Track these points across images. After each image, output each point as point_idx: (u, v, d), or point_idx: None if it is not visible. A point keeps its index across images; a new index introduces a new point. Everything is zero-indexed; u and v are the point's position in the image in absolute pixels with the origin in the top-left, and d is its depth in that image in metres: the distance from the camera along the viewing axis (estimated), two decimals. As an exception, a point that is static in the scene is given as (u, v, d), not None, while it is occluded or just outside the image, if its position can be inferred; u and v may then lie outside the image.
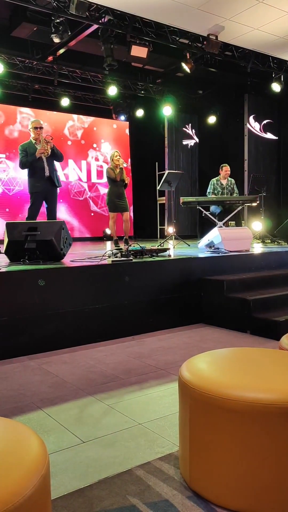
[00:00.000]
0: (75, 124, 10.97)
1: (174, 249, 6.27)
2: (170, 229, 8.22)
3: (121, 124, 11.68)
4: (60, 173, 9.91)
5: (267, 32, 7.25)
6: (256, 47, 7.86)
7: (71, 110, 10.53)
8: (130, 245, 4.97)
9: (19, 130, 10.16)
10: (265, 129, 10.44)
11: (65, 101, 9.99)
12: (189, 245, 6.89)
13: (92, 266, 4.10)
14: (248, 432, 1.51)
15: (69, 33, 6.59)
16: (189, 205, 6.96)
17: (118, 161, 6.89)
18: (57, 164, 5.98)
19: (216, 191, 7.70)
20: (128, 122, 11.71)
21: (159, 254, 4.88)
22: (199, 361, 1.84)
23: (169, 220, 10.08)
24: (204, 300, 4.66)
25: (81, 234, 10.67)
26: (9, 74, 8.69)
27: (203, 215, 7.18)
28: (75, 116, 10.92)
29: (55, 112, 10.54)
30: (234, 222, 7.90)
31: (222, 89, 10.37)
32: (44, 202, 5.77)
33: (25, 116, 10.25)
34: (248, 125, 10.10)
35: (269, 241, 7.66)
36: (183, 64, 7.60)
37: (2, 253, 4.45)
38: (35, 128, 5.69)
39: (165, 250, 5.07)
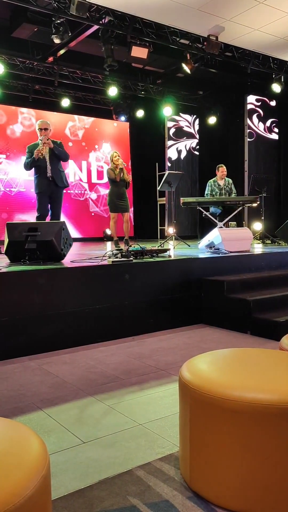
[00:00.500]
0: (76, 124, 10.98)
1: (175, 250, 6.27)
2: (170, 230, 8.23)
3: (121, 124, 11.69)
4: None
5: (267, 33, 7.26)
6: (257, 47, 7.86)
7: (71, 110, 10.54)
8: (130, 246, 4.97)
9: (20, 130, 10.16)
10: (270, 129, 10.45)
11: (65, 102, 10.00)
12: (189, 246, 6.89)
13: (92, 266, 4.10)
14: (248, 432, 1.51)
15: (70, 34, 6.59)
16: (189, 206, 6.96)
17: (118, 161, 6.90)
18: (63, 164, 5.99)
19: (214, 192, 7.70)
20: (128, 123, 11.72)
21: (159, 254, 4.88)
22: (200, 361, 1.84)
23: (169, 220, 10.08)
24: (205, 301, 4.66)
25: (82, 234, 10.67)
26: (9, 74, 8.70)
27: (203, 215, 7.18)
28: (75, 116, 10.93)
29: (55, 113, 10.54)
30: (235, 222, 7.90)
31: (222, 90, 10.38)
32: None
33: (26, 116, 10.25)
34: (252, 124, 10.10)
35: (269, 242, 7.66)
36: (184, 65, 7.60)
37: (3, 253, 4.45)
38: (40, 129, 5.70)
39: (165, 250, 5.07)
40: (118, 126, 11.67)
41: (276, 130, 10.54)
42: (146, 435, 2.15)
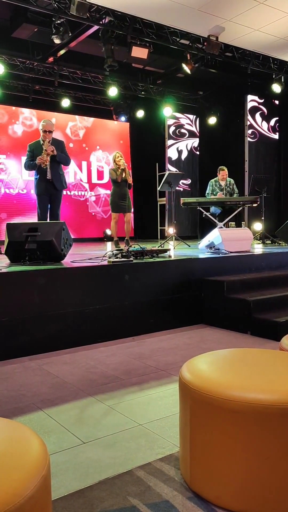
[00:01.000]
0: (76, 125, 10.98)
1: (175, 250, 6.27)
2: (171, 230, 8.23)
3: (121, 125, 11.69)
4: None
5: (267, 33, 7.26)
6: (257, 48, 7.87)
7: (71, 111, 10.54)
8: (130, 246, 4.97)
9: (20, 131, 10.16)
10: (274, 129, 10.44)
11: (65, 102, 10.00)
12: (189, 246, 6.89)
13: (92, 266, 4.10)
14: (248, 433, 1.51)
15: (70, 34, 6.60)
16: (189, 206, 6.96)
17: (119, 162, 6.90)
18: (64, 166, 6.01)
19: (214, 192, 7.70)
20: (128, 123, 11.72)
21: (159, 254, 4.88)
22: (200, 361, 1.84)
23: (170, 221, 10.08)
24: (205, 301, 4.66)
25: (82, 234, 10.67)
26: (9, 75, 8.70)
27: (203, 215, 7.18)
28: (75, 117, 10.93)
29: (55, 113, 10.54)
30: (234, 222, 7.90)
31: (222, 90, 10.38)
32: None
33: (27, 116, 10.26)
34: (255, 124, 10.09)
35: (269, 242, 7.66)
36: (184, 65, 7.61)
37: (3, 253, 4.46)
38: (44, 131, 5.68)
39: (166, 250, 5.07)
40: (118, 127, 11.67)
41: (273, 130, 10.55)
42: (146, 435, 2.15)
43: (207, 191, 7.81)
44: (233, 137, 10.54)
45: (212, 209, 7.50)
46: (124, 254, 4.48)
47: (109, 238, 10.60)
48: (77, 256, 5.05)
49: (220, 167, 7.73)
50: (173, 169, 10.32)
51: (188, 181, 11.05)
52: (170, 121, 10.55)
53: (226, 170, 7.69)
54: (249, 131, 10.07)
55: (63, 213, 10.33)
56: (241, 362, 1.83)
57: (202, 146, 11.14)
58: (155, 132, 10.88)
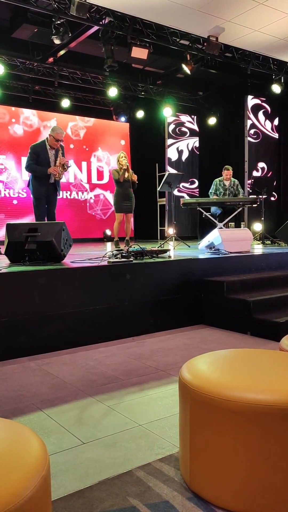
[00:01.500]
0: (76, 125, 10.98)
1: (175, 250, 6.27)
2: (171, 230, 8.23)
3: (121, 125, 11.69)
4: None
5: (267, 34, 7.26)
6: (256, 48, 7.87)
7: (71, 111, 10.54)
8: (130, 246, 4.97)
9: (20, 131, 10.16)
10: (278, 128, 10.44)
11: (65, 103, 10.00)
12: (189, 246, 6.90)
13: (92, 267, 4.10)
14: (248, 433, 1.51)
15: (70, 35, 6.60)
16: (189, 206, 6.97)
17: (122, 161, 6.90)
18: None
19: (218, 192, 7.70)
20: (128, 123, 11.72)
21: (159, 255, 4.89)
22: (200, 362, 1.84)
23: (169, 221, 10.09)
24: (205, 301, 4.66)
25: (82, 235, 10.67)
26: (9, 75, 8.70)
27: (203, 216, 7.18)
28: (75, 117, 10.93)
29: (55, 114, 10.55)
30: (233, 223, 7.90)
31: (222, 91, 10.39)
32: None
33: (27, 116, 10.25)
34: (258, 123, 10.09)
35: (269, 242, 7.66)
36: (184, 66, 7.61)
37: (3, 254, 4.46)
38: (56, 140, 5.71)
39: (166, 251, 5.07)
40: (118, 127, 11.67)
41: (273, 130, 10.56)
42: (146, 435, 2.15)
43: (210, 190, 7.81)
44: (233, 138, 10.55)
45: (213, 209, 7.50)
46: (124, 254, 4.48)
47: (109, 238, 10.60)
48: (77, 257, 5.05)
49: (225, 166, 7.72)
50: (173, 171, 10.32)
51: (194, 185, 11.04)
52: (170, 119, 10.55)
53: (230, 170, 7.67)
54: (251, 131, 10.05)
55: (63, 213, 10.38)
56: (241, 362, 1.83)
57: (202, 147, 11.14)
58: (155, 132, 10.88)
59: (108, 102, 10.92)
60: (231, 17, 6.68)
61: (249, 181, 9.54)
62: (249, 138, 10.00)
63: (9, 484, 1.04)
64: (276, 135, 10.45)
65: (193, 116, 11.06)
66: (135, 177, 6.87)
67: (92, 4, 6.22)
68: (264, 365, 1.80)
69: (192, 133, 11.07)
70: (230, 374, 1.68)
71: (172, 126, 10.67)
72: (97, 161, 11.28)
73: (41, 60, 8.25)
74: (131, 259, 4.44)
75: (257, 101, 10.05)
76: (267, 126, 10.31)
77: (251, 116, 10.06)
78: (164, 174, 7.32)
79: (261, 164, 10.22)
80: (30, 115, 10.30)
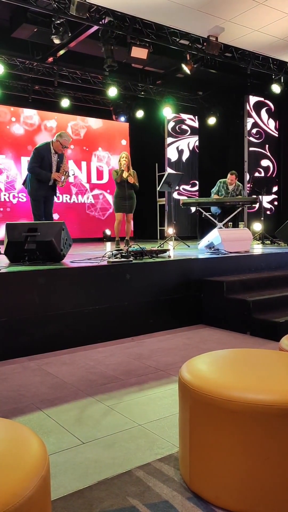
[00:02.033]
0: (75, 125, 10.98)
1: (174, 250, 6.27)
2: (170, 230, 8.23)
3: (121, 125, 11.69)
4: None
5: (267, 34, 7.26)
6: (256, 48, 7.87)
7: (71, 111, 10.54)
8: (130, 246, 4.97)
9: (20, 131, 10.16)
10: (278, 128, 10.43)
11: (65, 102, 10.00)
12: (189, 246, 6.90)
13: (92, 267, 4.10)
14: (248, 433, 1.51)
15: (70, 34, 6.59)
16: (189, 206, 6.97)
17: (121, 162, 6.89)
18: None
19: (219, 193, 7.70)
20: (128, 123, 11.72)
21: (159, 255, 4.88)
22: (199, 362, 1.84)
23: (169, 221, 10.09)
24: (204, 301, 4.66)
25: (81, 235, 10.67)
26: (9, 75, 8.69)
27: (203, 216, 7.19)
28: (75, 117, 10.93)
29: (55, 113, 10.54)
30: (231, 223, 7.90)
31: (222, 91, 10.39)
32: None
33: (26, 116, 10.25)
34: (261, 122, 10.08)
35: (269, 242, 7.67)
36: (183, 65, 7.61)
37: (2, 253, 4.45)
38: (64, 146, 5.74)
39: (165, 251, 5.07)
40: (117, 127, 11.67)
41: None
42: (146, 435, 2.15)
43: (212, 189, 7.81)
44: (232, 138, 10.55)
45: (213, 209, 7.50)
46: (123, 254, 4.48)
47: (109, 238, 10.60)
48: (77, 256, 5.05)
49: (231, 171, 7.72)
50: (172, 171, 10.32)
51: (195, 187, 11.03)
52: (170, 116, 10.52)
53: (234, 175, 7.66)
54: (254, 131, 10.03)
55: (63, 213, 10.38)
56: (241, 362, 1.83)
57: (202, 147, 11.14)
58: (154, 132, 10.88)
59: (107, 102, 10.92)
60: (231, 17, 6.68)
61: (248, 186, 9.54)
62: (250, 138, 9.99)
63: (8, 484, 1.04)
64: (276, 134, 10.44)
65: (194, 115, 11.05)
66: (131, 180, 6.81)
67: (92, 3, 6.22)
68: (263, 365, 1.80)
69: (193, 131, 11.04)
70: (229, 374, 1.68)
71: (172, 124, 10.63)
72: (97, 161, 11.28)
73: (41, 59, 8.24)
74: (131, 259, 4.43)
75: (259, 98, 10.04)
76: (270, 125, 10.29)
77: (253, 114, 10.02)
78: (164, 174, 7.31)
79: (265, 163, 10.19)
80: (29, 115, 10.30)
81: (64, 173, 5.76)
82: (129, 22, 6.76)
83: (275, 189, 10.32)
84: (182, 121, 10.84)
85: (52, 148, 5.73)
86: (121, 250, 4.73)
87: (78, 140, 10.97)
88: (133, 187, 6.93)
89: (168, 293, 4.46)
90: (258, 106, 10.10)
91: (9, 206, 9.93)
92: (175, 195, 9.73)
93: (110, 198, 11.05)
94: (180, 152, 10.83)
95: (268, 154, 10.32)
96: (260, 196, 8.12)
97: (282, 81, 8.77)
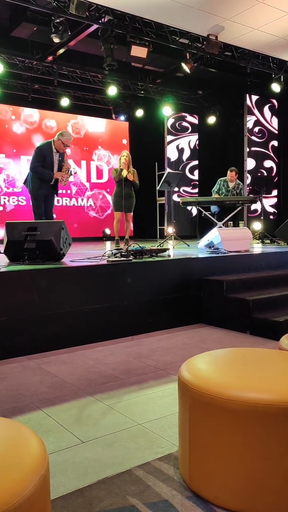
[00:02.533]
0: (75, 124, 10.97)
1: (174, 249, 6.27)
2: (170, 229, 8.23)
3: (120, 124, 11.68)
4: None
5: (267, 33, 7.25)
6: (256, 47, 7.86)
7: (71, 110, 10.53)
8: (129, 245, 4.97)
9: (19, 130, 10.15)
10: (278, 127, 10.41)
11: (65, 101, 9.99)
12: (188, 245, 6.89)
13: (91, 266, 4.10)
14: (248, 432, 1.51)
15: (69, 33, 6.59)
16: (189, 205, 6.97)
17: (120, 161, 6.88)
18: None
19: (220, 192, 7.69)
20: (128, 122, 11.71)
21: (158, 254, 4.88)
22: (199, 361, 1.84)
23: (169, 220, 10.08)
24: (204, 301, 4.66)
25: (81, 234, 10.67)
26: (9, 74, 8.68)
27: (202, 215, 7.19)
28: (74, 116, 10.92)
29: (55, 112, 10.53)
30: (231, 222, 7.90)
31: (222, 89, 10.38)
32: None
33: (26, 115, 10.24)
34: (264, 121, 10.07)
35: (269, 241, 7.66)
36: (183, 64, 7.60)
37: (2, 253, 4.45)
38: (65, 145, 5.73)
39: (165, 250, 5.07)
40: (117, 126, 11.66)
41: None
42: (145, 434, 2.15)
43: (213, 188, 7.80)
44: (232, 137, 10.54)
45: (212, 207, 7.50)
46: (123, 253, 4.47)
47: (108, 238, 10.59)
48: (76, 256, 5.05)
49: (230, 168, 7.71)
50: (172, 171, 10.31)
51: (195, 190, 11.01)
52: (170, 113, 10.49)
53: (234, 172, 7.65)
54: (256, 129, 10.00)
55: (63, 212, 10.38)
56: (240, 361, 1.83)
57: (202, 146, 11.13)
58: (154, 131, 10.87)
59: (107, 101, 10.91)
60: (231, 16, 6.68)
61: (248, 188, 9.54)
62: (253, 137, 9.97)
63: (8, 483, 1.04)
64: (276, 132, 10.43)
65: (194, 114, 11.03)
66: (130, 177, 6.80)
67: (92, 2, 6.21)
68: (263, 364, 1.80)
69: (194, 128, 11.01)
70: (229, 373, 1.68)
71: (171, 121, 10.60)
72: (97, 160, 11.27)
73: (41, 58, 8.23)
74: (131, 258, 4.43)
75: (260, 97, 10.02)
76: (273, 123, 10.26)
77: (256, 112, 9.99)
78: (164, 173, 7.31)
79: (268, 164, 10.17)
80: (29, 114, 10.29)
81: (67, 171, 5.76)
82: (129, 21, 6.75)
83: (275, 192, 10.29)
84: (182, 118, 10.81)
85: (54, 147, 5.72)
86: (120, 249, 4.73)
87: (78, 139, 10.95)
88: (133, 186, 6.93)
89: (167, 293, 4.45)
90: (261, 103, 10.06)
91: (8, 210, 9.89)
92: (175, 197, 9.72)
93: (110, 198, 11.05)
94: (181, 151, 10.81)
95: (271, 154, 10.30)
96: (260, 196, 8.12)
97: (282, 80, 8.76)
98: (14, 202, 9.98)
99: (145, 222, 11.51)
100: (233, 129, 10.51)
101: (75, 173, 5.60)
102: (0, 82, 9.05)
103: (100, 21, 6.64)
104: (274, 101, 10.25)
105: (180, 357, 3.42)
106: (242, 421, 1.51)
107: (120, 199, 6.87)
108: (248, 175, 9.78)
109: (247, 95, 9.91)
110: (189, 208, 10.77)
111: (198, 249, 6.09)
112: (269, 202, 10.12)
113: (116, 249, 4.72)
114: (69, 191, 10.77)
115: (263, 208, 8.13)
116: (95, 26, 6.80)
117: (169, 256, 4.90)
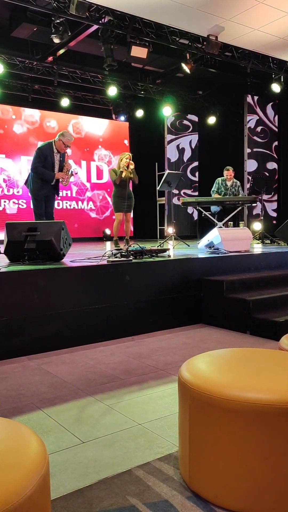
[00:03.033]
0: (75, 124, 10.97)
1: (174, 250, 6.27)
2: (170, 230, 8.23)
3: (121, 124, 11.69)
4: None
5: (267, 33, 7.25)
6: (256, 47, 7.86)
7: (71, 110, 10.53)
8: (130, 246, 4.97)
9: (19, 130, 10.15)
10: (278, 126, 10.39)
11: (65, 102, 9.99)
12: (188, 246, 6.89)
13: (91, 266, 4.10)
14: (248, 432, 1.51)
15: (69, 34, 6.59)
16: (189, 206, 6.97)
17: (121, 163, 6.87)
18: None
19: (219, 191, 7.70)
20: (128, 123, 11.71)
21: (158, 254, 4.88)
22: (199, 361, 1.84)
23: (169, 220, 10.08)
24: (204, 301, 4.66)
25: (81, 234, 10.67)
26: (9, 74, 8.69)
27: (202, 215, 7.19)
28: (75, 116, 10.92)
29: (55, 113, 10.54)
30: (231, 222, 7.91)
31: (222, 90, 10.38)
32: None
33: (28, 115, 10.24)
34: (267, 120, 10.06)
35: (269, 242, 7.66)
36: (183, 65, 7.60)
37: (2, 253, 4.45)
38: (66, 146, 5.74)
39: (165, 250, 5.07)
40: (117, 126, 11.67)
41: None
42: (146, 435, 2.15)
43: (212, 189, 7.81)
44: (233, 137, 10.54)
45: (212, 207, 7.50)
46: (123, 253, 4.48)
47: (109, 238, 10.59)
48: (76, 256, 5.05)
49: (226, 167, 7.73)
50: (172, 171, 10.30)
51: (196, 192, 11.00)
52: (169, 113, 10.49)
53: (231, 170, 7.67)
54: (258, 129, 9.98)
55: (63, 212, 10.37)
56: (240, 361, 1.84)
57: (202, 146, 11.14)
58: (154, 131, 10.87)
59: (107, 101, 10.91)
60: (231, 16, 6.68)
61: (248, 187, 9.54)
62: (255, 137, 9.95)
63: (8, 483, 1.04)
64: (276, 130, 10.42)
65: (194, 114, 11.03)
66: (136, 179, 6.85)
67: (92, 3, 6.21)
68: (263, 364, 1.80)
69: (195, 127, 10.98)
70: (229, 374, 1.68)
71: (171, 120, 10.57)
72: (97, 160, 11.28)
73: (41, 59, 8.24)
74: (131, 258, 4.43)
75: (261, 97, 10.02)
76: (276, 123, 10.24)
77: (258, 111, 9.97)
78: (164, 173, 7.31)
79: (271, 166, 10.15)
80: (29, 114, 10.29)
81: (67, 171, 5.76)
82: (129, 21, 6.75)
83: (275, 197, 10.29)
84: (183, 116, 10.79)
85: (55, 148, 5.73)
86: (121, 249, 4.73)
87: (78, 139, 10.95)
88: (133, 184, 6.96)
89: (168, 293, 4.46)
90: (263, 102, 10.04)
91: (8, 213, 9.89)
92: (175, 200, 9.74)
93: (110, 198, 11.05)
94: (181, 151, 10.81)
95: (274, 155, 10.28)
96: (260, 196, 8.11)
97: (282, 80, 8.76)
98: (14, 206, 9.97)
99: (145, 222, 11.51)
100: (233, 129, 10.51)
101: (76, 173, 5.60)
102: (0, 82, 9.05)
103: (100, 22, 6.65)
104: (276, 100, 10.23)
105: (180, 357, 3.42)
106: (242, 421, 1.51)
107: (121, 200, 6.87)
108: (249, 176, 9.78)
109: (247, 95, 9.90)
110: (189, 211, 10.79)
111: (198, 249, 6.09)
112: (271, 206, 10.13)
113: (116, 250, 4.72)
114: (69, 192, 10.77)
115: (263, 208, 8.12)
116: (95, 27, 6.80)
117: (169, 256, 4.91)
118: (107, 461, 1.90)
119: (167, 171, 7.91)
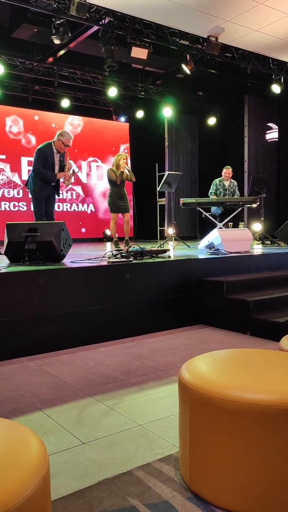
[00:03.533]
0: (75, 125, 10.98)
1: (174, 250, 6.27)
2: (170, 230, 8.23)
3: (121, 125, 11.69)
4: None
5: (267, 34, 7.26)
6: (256, 48, 7.86)
7: (71, 111, 10.54)
8: (130, 246, 4.97)
9: (19, 130, 10.16)
10: (281, 128, 10.39)
11: (65, 102, 10.00)
12: (189, 246, 6.89)
13: (92, 267, 4.10)
14: (248, 433, 1.51)
15: (70, 35, 6.59)
16: (189, 206, 6.97)
17: (120, 162, 6.88)
18: None
19: (218, 192, 7.70)
20: (128, 123, 11.72)
21: (159, 255, 4.88)
22: (199, 362, 1.84)
23: (169, 221, 10.08)
24: (204, 301, 4.66)
25: (81, 235, 10.67)
26: (9, 75, 8.69)
27: (203, 216, 7.19)
28: (75, 117, 10.93)
29: (55, 113, 10.54)
30: (231, 223, 7.91)
31: (222, 91, 10.38)
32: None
33: (28, 115, 10.25)
34: (268, 122, 10.09)
35: (269, 242, 7.66)
36: (183, 66, 7.61)
37: (2, 254, 4.45)
38: (65, 145, 5.73)
39: (165, 251, 5.07)
40: (118, 127, 11.67)
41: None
42: (146, 435, 2.15)
43: (210, 191, 7.81)
44: (232, 138, 10.54)
45: (213, 209, 7.50)
46: (123, 254, 4.48)
47: (109, 238, 10.59)
48: (77, 257, 5.05)
49: (225, 166, 7.74)
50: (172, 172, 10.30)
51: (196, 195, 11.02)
52: (169, 114, 10.49)
53: (230, 169, 7.68)
54: (259, 129, 9.98)
55: (63, 213, 10.38)
56: (241, 362, 1.84)
57: (202, 147, 11.14)
58: (154, 132, 10.88)
59: (108, 102, 10.92)
60: (231, 17, 6.68)
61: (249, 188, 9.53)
62: (255, 138, 9.95)
63: (8, 484, 1.04)
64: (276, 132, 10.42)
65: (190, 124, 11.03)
66: (133, 178, 6.91)
67: (92, 4, 6.22)
68: (263, 365, 1.80)
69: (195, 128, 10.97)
70: (229, 374, 1.68)
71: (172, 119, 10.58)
72: (100, 160, 11.27)
73: (41, 60, 8.24)
74: (131, 259, 4.44)
75: (259, 99, 10.02)
76: (275, 122, 10.25)
77: (259, 111, 9.96)
78: (164, 174, 7.32)
79: (271, 166, 10.15)
80: (30, 115, 10.29)
81: (69, 171, 5.77)
82: (129, 22, 6.76)
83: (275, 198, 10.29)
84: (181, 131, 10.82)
85: (54, 148, 5.73)
86: (121, 250, 4.74)
87: (78, 140, 10.96)
88: (132, 183, 7.02)
89: (168, 293, 4.46)
90: (263, 103, 10.04)
91: (8, 215, 9.89)
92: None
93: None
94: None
95: (274, 155, 10.28)
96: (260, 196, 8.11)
97: (282, 81, 8.76)
98: (15, 208, 9.97)
99: (145, 223, 11.51)
100: (233, 130, 10.51)
101: (76, 172, 5.61)
102: (0, 83, 9.06)
103: (101, 23, 6.65)
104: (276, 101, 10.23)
105: (180, 358, 3.42)
106: (242, 422, 1.51)
107: (119, 200, 6.90)
108: (248, 176, 9.77)
109: (247, 96, 9.90)
110: (190, 212, 10.78)
111: (199, 250, 6.09)
112: (272, 207, 10.12)
113: (116, 250, 4.72)
114: (69, 192, 10.77)
115: (263, 208, 8.12)
116: (95, 28, 6.80)
117: (169, 257, 4.91)
118: (108, 462, 1.90)
119: (167, 172, 7.91)
